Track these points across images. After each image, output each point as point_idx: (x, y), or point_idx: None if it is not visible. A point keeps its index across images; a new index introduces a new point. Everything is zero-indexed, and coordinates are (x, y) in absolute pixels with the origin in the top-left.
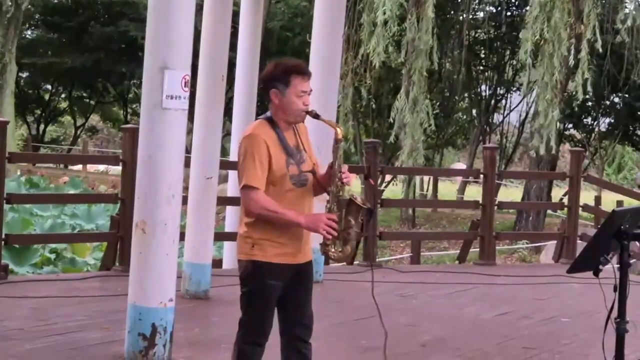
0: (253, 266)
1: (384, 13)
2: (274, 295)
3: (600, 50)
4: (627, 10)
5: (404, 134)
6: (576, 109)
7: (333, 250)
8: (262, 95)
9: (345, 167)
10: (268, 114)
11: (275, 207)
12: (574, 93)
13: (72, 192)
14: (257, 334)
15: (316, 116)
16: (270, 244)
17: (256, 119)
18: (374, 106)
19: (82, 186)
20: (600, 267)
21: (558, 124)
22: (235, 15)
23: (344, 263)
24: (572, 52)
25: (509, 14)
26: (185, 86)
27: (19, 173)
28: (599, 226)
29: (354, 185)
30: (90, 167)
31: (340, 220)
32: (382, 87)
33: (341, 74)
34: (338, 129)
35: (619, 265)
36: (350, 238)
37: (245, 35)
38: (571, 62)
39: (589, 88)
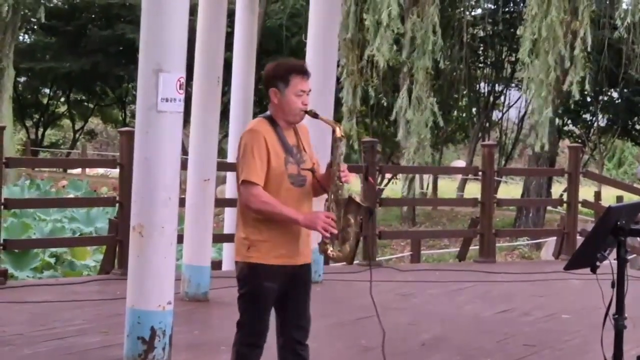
0: (249, 268)
1: (385, 14)
2: (271, 297)
3: (589, 48)
4: (624, 6)
5: (408, 132)
6: (572, 105)
7: (332, 249)
8: (259, 96)
9: (344, 166)
10: (268, 112)
11: (274, 203)
12: (570, 91)
13: (73, 194)
14: (254, 335)
15: (315, 115)
16: (266, 245)
17: (254, 117)
18: (374, 104)
19: (85, 188)
20: (598, 263)
21: (557, 120)
22: (231, 15)
23: (344, 263)
24: (568, 49)
25: (506, 10)
26: (180, 88)
27: (23, 178)
28: (596, 222)
29: (354, 185)
30: (90, 171)
31: (339, 219)
32: (382, 86)
33: (347, 73)
34: (337, 128)
35: (615, 261)
36: (348, 237)
37: (241, 35)
38: (567, 59)
39: (587, 86)
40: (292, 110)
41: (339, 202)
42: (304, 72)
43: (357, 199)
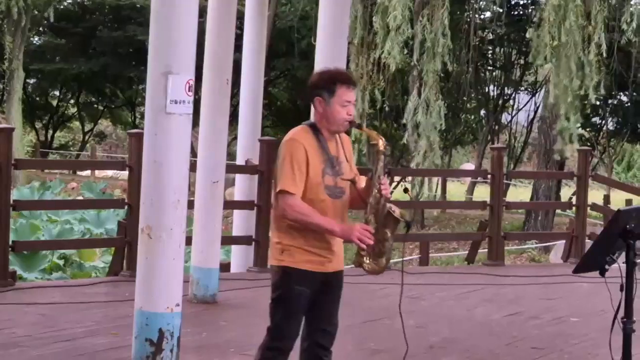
0: (282, 271)
1: (395, 18)
2: (302, 302)
3: (604, 52)
4: (632, 9)
5: (417, 135)
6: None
7: (367, 261)
8: (268, 98)
9: (385, 179)
10: (311, 120)
11: (310, 213)
12: (587, 94)
13: (88, 195)
14: (282, 340)
15: (359, 126)
16: (299, 250)
17: (262, 119)
18: (387, 108)
19: (99, 188)
20: (606, 266)
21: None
22: (240, 17)
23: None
24: (586, 54)
25: (515, 13)
26: (189, 90)
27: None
28: (605, 226)
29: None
30: (99, 173)
31: (377, 232)
32: (391, 89)
33: (357, 77)
34: (380, 140)
35: (624, 265)
36: (384, 250)
37: (251, 37)
38: (586, 65)
39: (602, 90)
40: (337, 121)
41: (377, 215)
42: (349, 82)
43: (396, 213)
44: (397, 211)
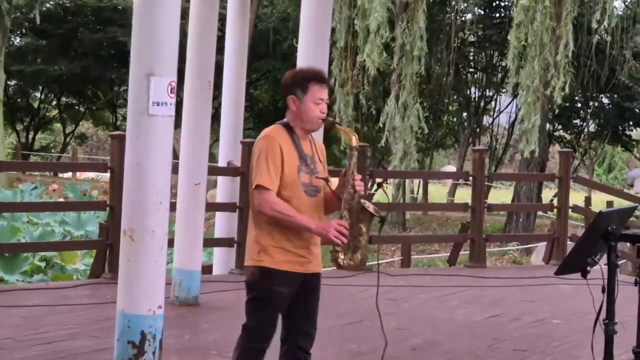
0: (260, 272)
1: (375, 20)
2: (280, 302)
3: (575, 53)
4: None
5: (394, 138)
6: (559, 111)
7: (342, 257)
8: (250, 100)
9: (358, 175)
10: (285, 119)
11: (286, 210)
12: (552, 96)
13: (71, 196)
14: (260, 340)
15: (333, 124)
16: (278, 250)
17: (245, 121)
18: (366, 111)
19: (81, 190)
20: (588, 268)
21: (548, 125)
22: (222, 19)
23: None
24: (553, 55)
25: (496, 15)
26: (171, 92)
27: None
28: (586, 227)
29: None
30: (80, 175)
31: (352, 227)
32: (372, 92)
33: (342, 81)
34: (354, 137)
35: (606, 266)
36: (360, 246)
37: (232, 39)
38: (551, 65)
39: (566, 90)
40: (311, 119)
41: (352, 211)
42: (322, 80)
43: (370, 208)
44: (371, 207)
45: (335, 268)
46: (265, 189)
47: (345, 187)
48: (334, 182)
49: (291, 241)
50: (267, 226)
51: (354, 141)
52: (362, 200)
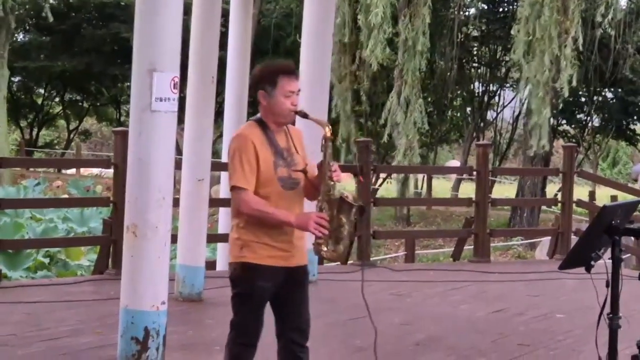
0: (242, 268)
1: (377, 15)
2: (265, 297)
3: (581, 47)
4: (609, 1)
5: (397, 133)
6: (563, 105)
7: (325, 249)
8: (253, 96)
9: (335, 165)
10: (258, 115)
11: (265, 207)
12: (560, 90)
13: (74, 193)
14: (248, 335)
15: (305, 115)
16: (260, 245)
17: (248, 120)
18: (368, 107)
19: (84, 186)
20: (592, 262)
21: (552, 120)
22: (225, 14)
23: (339, 262)
24: (562, 49)
25: (500, 10)
26: (174, 88)
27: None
28: (590, 222)
29: (349, 185)
30: (84, 171)
31: (332, 219)
32: (375, 87)
33: (340, 77)
34: (327, 128)
35: (610, 261)
36: (342, 237)
37: (236, 35)
38: (561, 59)
39: (574, 83)
40: (282, 112)
41: (331, 202)
42: (291, 73)
43: (349, 199)
44: (349, 196)
45: (338, 263)
46: (242, 189)
47: (322, 178)
48: (313, 166)
49: (272, 236)
50: (247, 223)
51: (327, 132)
52: (340, 191)
